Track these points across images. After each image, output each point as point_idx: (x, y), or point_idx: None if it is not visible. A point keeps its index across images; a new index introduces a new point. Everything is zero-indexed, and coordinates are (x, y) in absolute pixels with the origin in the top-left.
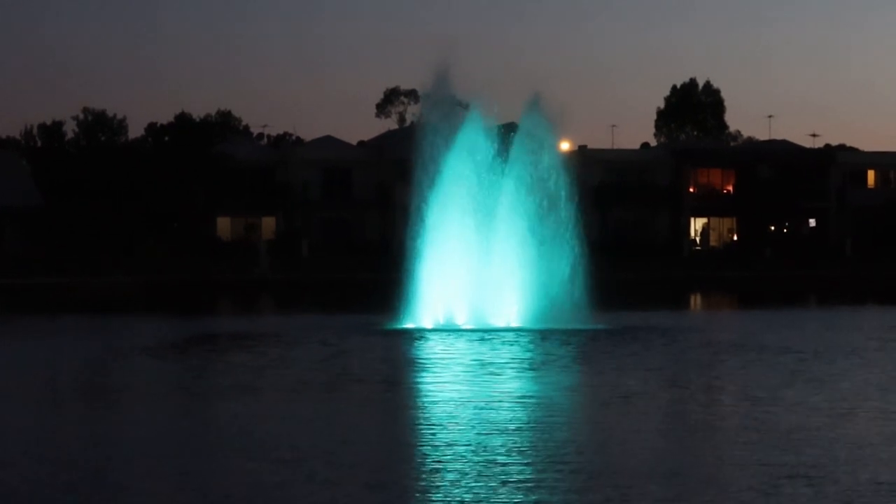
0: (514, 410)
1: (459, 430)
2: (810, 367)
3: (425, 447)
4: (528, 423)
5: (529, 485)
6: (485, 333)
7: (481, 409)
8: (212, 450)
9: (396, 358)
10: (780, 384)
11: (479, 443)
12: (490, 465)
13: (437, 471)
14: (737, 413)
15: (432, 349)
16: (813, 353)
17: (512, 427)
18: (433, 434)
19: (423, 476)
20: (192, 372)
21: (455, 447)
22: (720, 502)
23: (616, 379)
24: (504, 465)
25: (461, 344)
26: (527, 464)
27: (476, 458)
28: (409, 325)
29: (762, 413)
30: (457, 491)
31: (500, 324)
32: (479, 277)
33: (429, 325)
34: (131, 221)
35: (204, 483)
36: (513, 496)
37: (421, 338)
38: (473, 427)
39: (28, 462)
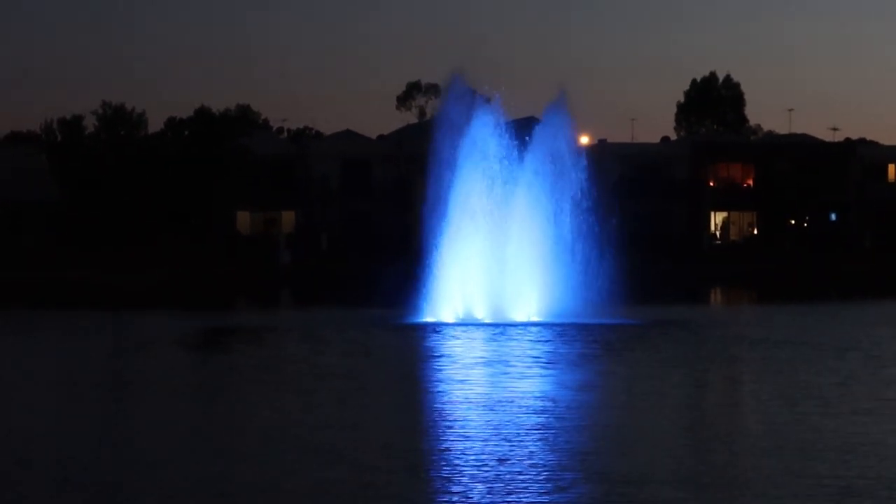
0: (540, 413)
1: (483, 434)
2: (849, 364)
3: (451, 453)
4: (553, 427)
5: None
6: (505, 328)
7: (505, 410)
8: (234, 448)
9: (417, 353)
10: (821, 384)
11: (504, 448)
12: (519, 474)
13: (469, 478)
14: (777, 416)
15: (451, 344)
16: (847, 349)
17: (538, 430)
18: (455, 439)
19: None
20: (216, 367)
21: (480, 454)
22: None
23: (642, 378)
24: (534, 471)
25: (481, 339)
26: (559, 470)
27: (505, 466)
28: (428, 319)
29: (804, 417)
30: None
31: (521, 318)
32: (498, 271)
33: (449, 320)
34: (150, 216)
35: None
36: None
37: (441, 332)
38: (498, 431)
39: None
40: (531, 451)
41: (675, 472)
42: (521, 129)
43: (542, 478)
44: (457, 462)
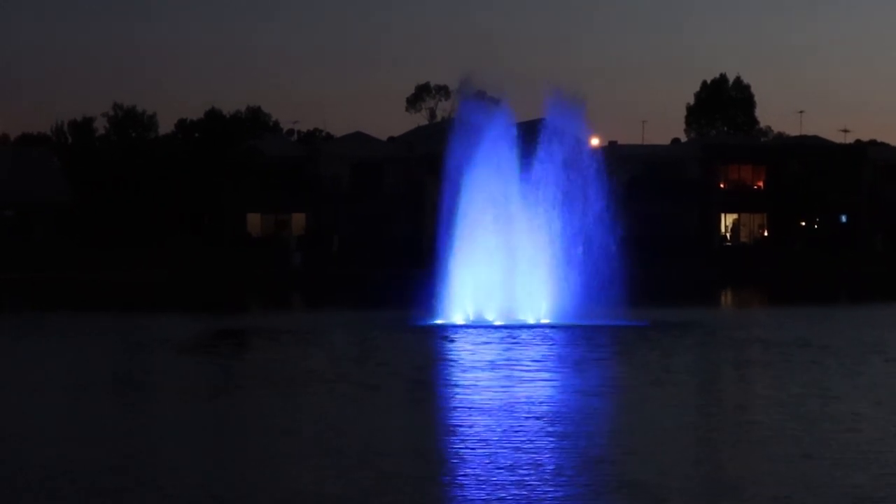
0: (554, 418)
1: (501, 440)
2: (872, 368)
3: (472, 458)
4: (570, 433)
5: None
6: (515, 330)
7: (520, 415)
8: (253, 455)
9: (427, 356)
10: (842, 388)
11: (523, 455)
12: (543, 481)
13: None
14: (798, 423)
15: (462, 347)
16: (867, 352)
17: (555, 437)
18: (474, 445)
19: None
20: (227, 370)
21: (500, 460)
22: None
23: (653, 381)
24: (557, 479)
25: (492, 341)
26: (581, 477)
27: (527, 471)
28: (439, 321)
29: (827, 423)
30: None
31: (531, 320)
32: (509, 273)
33: (459, 322)
34: (161, 217)
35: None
36: None
37: (451, 335)
38: (515, 437)
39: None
40: (551, 458)
41: (699, 481)
42: (532, 131)
43: (566, 485)
44: (478, 468)
